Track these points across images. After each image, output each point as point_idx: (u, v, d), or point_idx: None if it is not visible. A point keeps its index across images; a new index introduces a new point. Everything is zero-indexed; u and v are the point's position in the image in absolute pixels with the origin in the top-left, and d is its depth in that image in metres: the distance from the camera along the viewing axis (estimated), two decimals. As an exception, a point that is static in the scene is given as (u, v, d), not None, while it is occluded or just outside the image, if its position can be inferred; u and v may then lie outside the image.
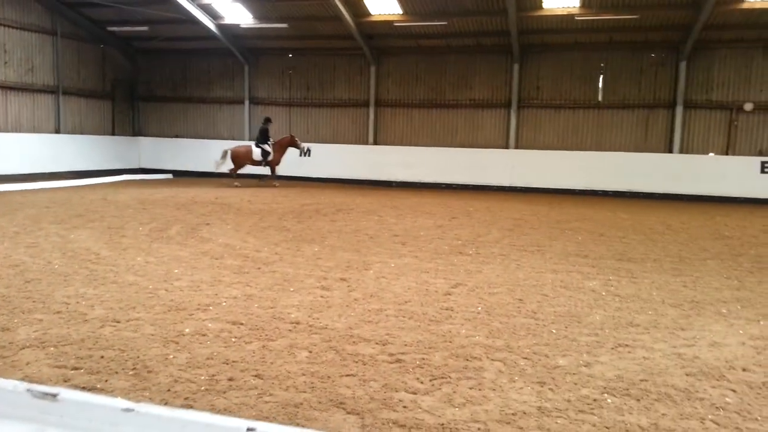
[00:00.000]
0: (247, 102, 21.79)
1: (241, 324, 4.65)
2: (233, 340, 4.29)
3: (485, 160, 18.88)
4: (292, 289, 5.78)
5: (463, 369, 3.84)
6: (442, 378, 3.69)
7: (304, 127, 21.38)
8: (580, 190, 17.80)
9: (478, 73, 19.49)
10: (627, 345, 4.38)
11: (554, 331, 4.69)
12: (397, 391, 3.47)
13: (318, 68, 21.06)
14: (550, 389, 3.54)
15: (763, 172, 16.26)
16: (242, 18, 19.16)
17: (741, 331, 4.81)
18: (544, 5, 16.43)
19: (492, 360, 4.02)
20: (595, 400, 3.40)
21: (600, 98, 18.50)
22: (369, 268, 6.84)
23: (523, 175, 18.49)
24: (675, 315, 5.22)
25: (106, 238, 8.35)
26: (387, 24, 18.27)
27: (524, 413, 3.22)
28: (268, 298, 5.42)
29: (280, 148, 18.20)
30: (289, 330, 4.54)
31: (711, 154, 17.40)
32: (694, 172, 16.98)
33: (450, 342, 4.37)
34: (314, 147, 20.54)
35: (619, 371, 3.85)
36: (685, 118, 17.61)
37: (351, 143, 20.48)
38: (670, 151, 17.68)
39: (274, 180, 18.33)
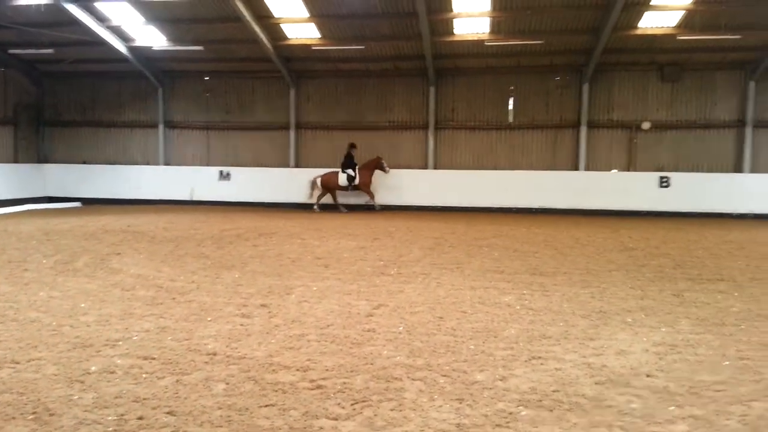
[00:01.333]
0: (161, 125, 21.10)
1: (153, 358, 4.45)
2: (144, 376, 4.10)
3: (405, 181, 19.19)
4: (209, 319, 5.60)
5: (384, 391, 3.85)
6: (364, 401, 3.68)
7: (223, 151, 20.95)
8: (496, 207, 18.41)
9: (397, 95, 19.89)
10: (540, 357, 4.55)
11: (472, 347, 4.80)
12: (317, 419, 3.43)
13: (237, 91, 20.76)
14: (468, 405, 3.61)
15: (661, 186, 17.48)
16: (155, 40, 18.64)
17: (645, 339, 5.11)
18: (456, 31, 17.07)
19: (413, 380, 4.05)
20: (510, 413, 3.50)
21: (511, 119, 19.32)
22: (291, 293, 6.75)
23: (442, 194, 18.92)
24: (584, 325, 5.47)
25: (6, 272, 7.79)
26: (305, 47, 18.35)
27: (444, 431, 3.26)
28: (184, 330, 5.23)
29: (368, 170, 18.24)
30: (205, 362, 4.39)
31: (614, 171, 18.54)
32: (600, 187, 17.99)
33: (372, 364, 4.38)
34: (234, 171, 20.17)
35: (533, 383, 3.99)
36: (590, 137, 18.71)
37: (272, 166, 20.25)
38: (577, 169, 18.70)
39: (373, 203, 18.46)
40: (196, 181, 20.39)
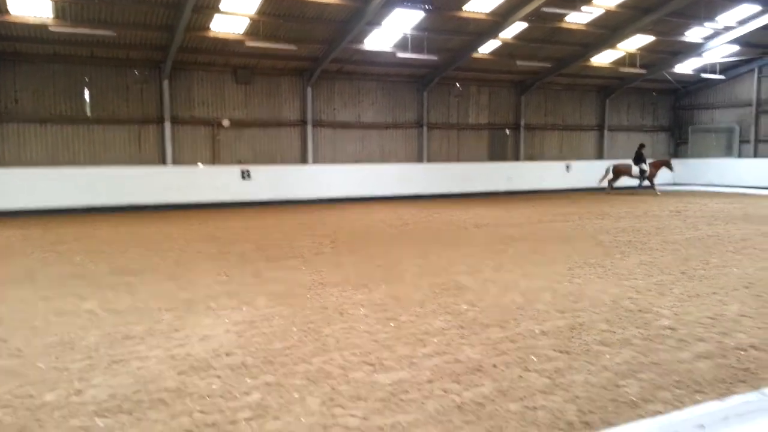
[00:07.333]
0: None
1: None
2: None
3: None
4: None
5: None
6: None
7: None
8: (79, 208, 16.71)
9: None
10: (122, 360, 4.37)
11: (42, 366, 4.28)
12: None
13: None
14: (33, 433, 3.22)
15: (243, 178, 18.78)
16: None
17: (227, 320, 5.44)
18: (12, 11, 14.69)
19: (-43, 422, 3.38)
20: (85, 428, 3.27)
21: (89, 113, 17.80)
22: None
23: (5, 197, 16.14)
24: (170, 318, 5.50)
25: None
26: None
27: (-1, 470, 2.83)
28: None
29: (655, 167, 22.04)
30: None
31: (200, 165, 19.06)
32: (188, 181, 18.20)
33: None
34: None
35: (113, 389, 3.81)
36: (174, 132, 18.75)
37: None
38: (164, 164, 18.53)
39: (655, 191, 22.01)
40: None
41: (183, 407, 3.56)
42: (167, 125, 18.48)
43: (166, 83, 18.35)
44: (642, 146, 22.75)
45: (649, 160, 22.34)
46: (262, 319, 5.48)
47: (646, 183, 22.46)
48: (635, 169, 22.19)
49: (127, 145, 18.30)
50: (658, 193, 22.04)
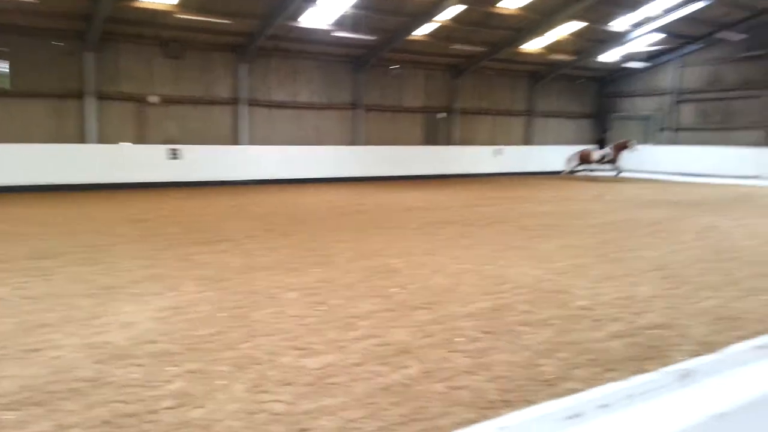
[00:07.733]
0: None
1: None
2: None
3: None
4: None
5: None
6: None
7: None
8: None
9: None
10: (36, 349, 4.17)
11: (-53, 357, 4.03)
12: None
13: None
14: (-67, 429, 3.04)
15: (172, 158, 18.02)
16: None
17: (150, 306, 5.28)
18: None
19: None
20: (-8, 421, 3.12)
21: (9, 86, 16.66)
22: None
23: None
24: (89, 305, 5.28)
25: None
26: None
27: None
28: None
29: (617, 150, 22.21)
30: None
31: (123, 144, 18.18)
32: (111, 161, 17.16)
33: None
34: None
35: (25, 381, 3.63)
36: (99, 108, 17.81)
37: None
38: (86, 141, 17.60)
39: (616, 174, 22.47)
40: None
41: (100, 397, 3.44)
42: (91, 100, 17.53)
43: (90, 55, 17.36)
44: (605, 131, 24.19)
45: (609, 145, 22.92)
46: (189, 305, 5.36)
47: (610, 166, 22.74)
48: (596, 155, 22.72)
49: (46, 121, 17.26)
50: (618, 175, 22.78)
